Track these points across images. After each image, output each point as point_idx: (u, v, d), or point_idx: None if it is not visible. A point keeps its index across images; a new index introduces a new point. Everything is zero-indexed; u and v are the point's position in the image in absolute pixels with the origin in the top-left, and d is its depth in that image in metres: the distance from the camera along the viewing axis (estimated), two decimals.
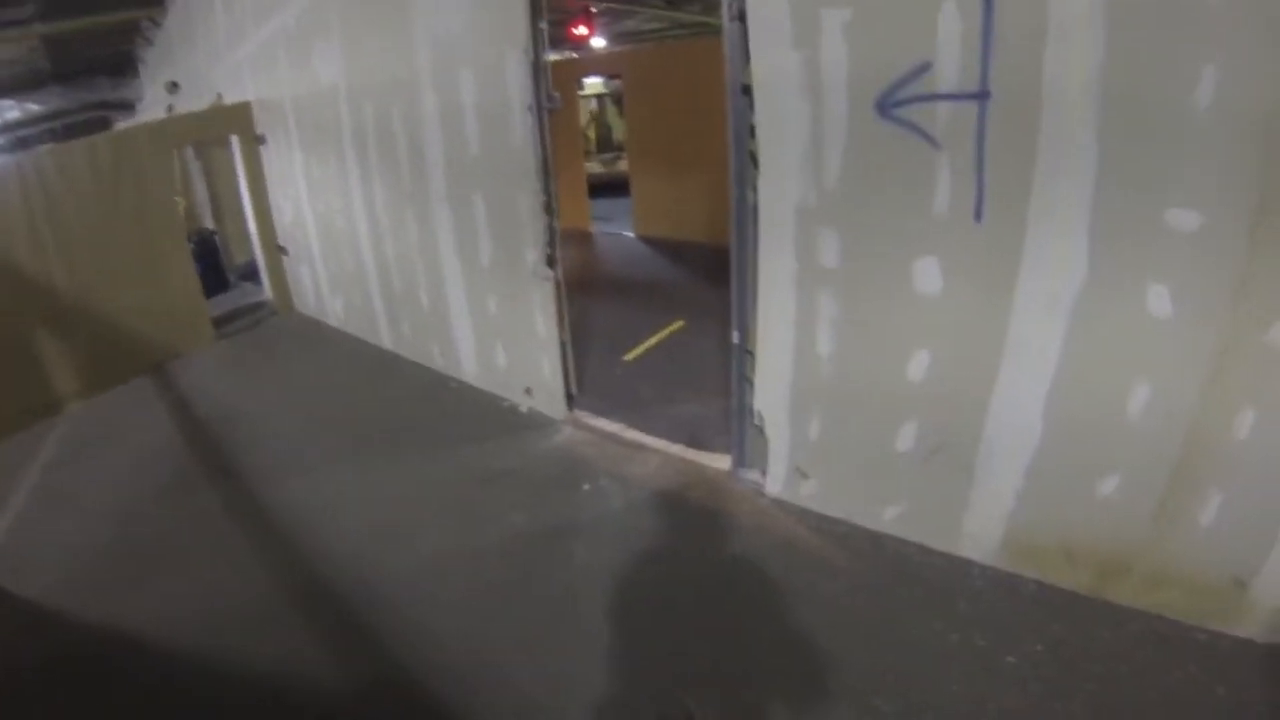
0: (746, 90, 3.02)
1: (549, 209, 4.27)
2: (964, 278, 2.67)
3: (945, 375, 2.85)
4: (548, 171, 4.20)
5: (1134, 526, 2.59)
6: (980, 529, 3.00)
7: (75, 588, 3.52)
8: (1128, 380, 2.45)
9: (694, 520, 3.58)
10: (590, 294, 7.48)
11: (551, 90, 4.07)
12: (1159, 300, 2.31)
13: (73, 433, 5.33)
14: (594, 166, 12.67)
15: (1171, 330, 2.31)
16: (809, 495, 3.53)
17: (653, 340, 6.04)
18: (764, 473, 3.68)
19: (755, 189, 3.12)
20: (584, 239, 10.42)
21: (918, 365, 2.90)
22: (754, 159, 3.08)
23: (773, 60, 2.86)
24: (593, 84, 13.81)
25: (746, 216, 3.22)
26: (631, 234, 10.05)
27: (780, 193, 3.03)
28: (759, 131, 3.01)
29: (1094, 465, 2.62)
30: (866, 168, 2.76)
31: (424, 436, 4.75)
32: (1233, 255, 2.15)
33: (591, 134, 14.26)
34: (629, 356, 5.79)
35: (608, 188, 11.92)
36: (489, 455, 4.41)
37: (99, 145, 5.81)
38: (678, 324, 6.28)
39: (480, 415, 4.98)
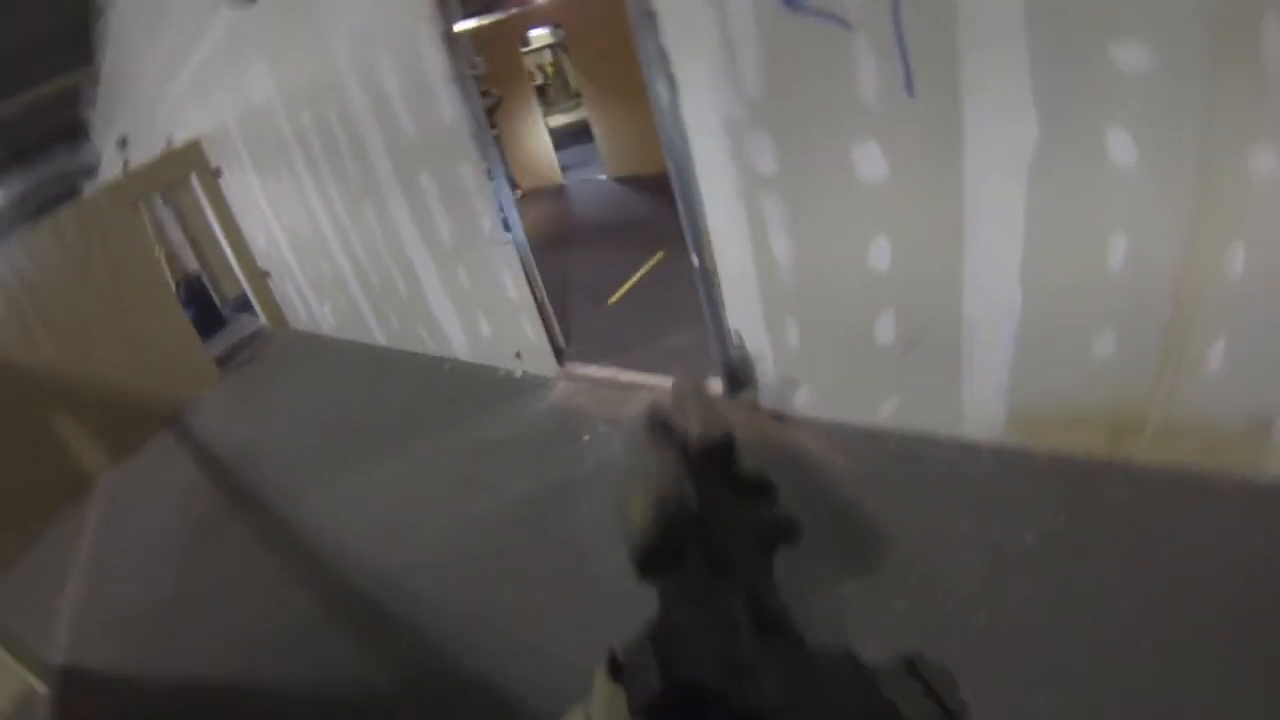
0: (651, 13, 2.84)
1: (492, 174, 4.16)
2: (908, 156, 2.49)
3: (910, 259, 2.71)
4: (484, 137, 4.09)
5: (1139, 382, 2.46)
6: (981, 409, 2.90)
7: (138, 646, 3.70)
8: (1103, 234, 2.27)
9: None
10: (568, 244, 7.40)
11: (473, 57, 3.93)
12: (1121, 146, 2.12)
13: (108, 502, 5.53)
14: (560, 117, 12.34)
15: (1140, 175, 2.12)
16: (804, 404, 3.47)
17: (635, 278, 5.95)
18: (756, 389, 3.62)
19: (680, 108, 2.97)
20: (556, 192, 10.23)
21: (879, 254, 2.76)
22: (672, 80, 2.92)
23: None
24: (540, 35, 13.32)
25: (676, 140, 3.07)
26: (604, 176, 9.84)
27: (704, 108, 2.88)
28: (671, 52, 2.85)
29: (1085, 326, 2.47)
30: (785, 65, 2.57)
31: (424, 423, 4.80)
32: (1192, 84, 1.94)
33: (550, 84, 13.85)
34: (613, 299, 5.73)
35: (578, 134, 11.60)
36: (487, 427, 4.45)
37: (62, 220, 5.84)
38: (657, 257, 6.15)
39: (476, 389, 5.01)
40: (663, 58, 2.90)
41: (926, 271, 2.69)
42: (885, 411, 3.19)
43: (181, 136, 7.01)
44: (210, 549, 4.34)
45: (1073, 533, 2.45)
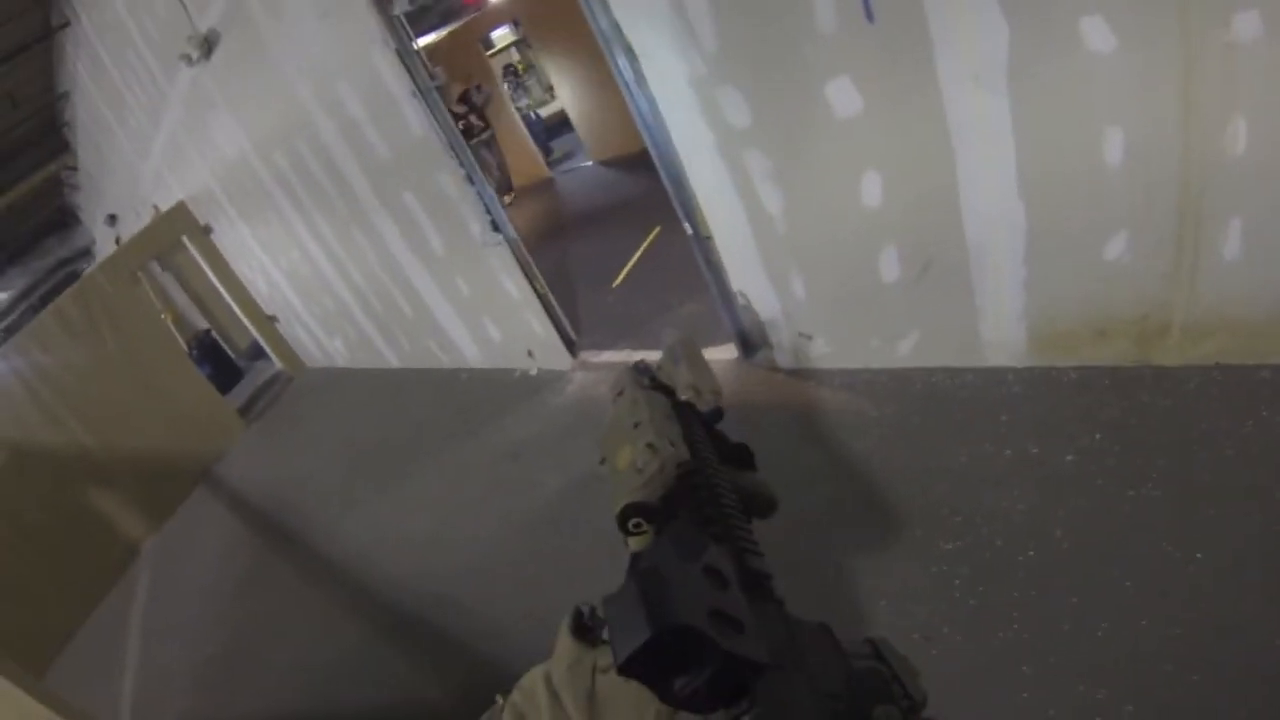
0: None
1: (471, 179, 4.13)
2: (881, 84, 2.39)
3: (903, 190, 2.61)
4: (457, 145, 4.06)
5: (1157, 281, 2.34)
6: (1000, 333, 2.80)
7: (201, 697, 3.79)
8: (1096, 130, 2.15)
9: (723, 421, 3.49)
10: (564, 236, 7.37)
11: (432, 69, 3.90)
12: (1098, 33, 2.00)
13: (155, 568, 5.65)
14: (541, 110, 12.27)
15: (1122, 62, 2.00)
16: (820, 356, 3.40)
17: (635, 257, 5.90)
18: (770, 349, 3.56)
19: (644, 79, 2.89)
20: (545, 185, 10.20)
21: (871, 189, 2.67)
22: (631, 52, 2.84)
23: None
24: (501, 35, 13.18)
25: (647, 111, 3.01)
26: (589, 163, 9.75)
27: (667, 74, 2.81)
28: (623, 24, 2.78)
29: (1093, 230, 2.36)
30: (740, 14, 2.49)
31: (449, 435, 4.81)
32: None
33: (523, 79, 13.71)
34: (616, 281, 5.69)
35: (560, 125, 11.48)
36: (510, 430, 4.44)
37: (64, 305, 5.93)
38: (654, 233, 6.08)
39: (494, 394, 5.00)
40: (616, 31, 2.83)
41: (922, 199, 2.59)
42: (904, 351, 3.10)
43: (166, 203, 7.09)
44: (259, 594, 4.41)
45: (1112, 447, 2.35)
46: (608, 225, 7.20)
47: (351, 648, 3.43)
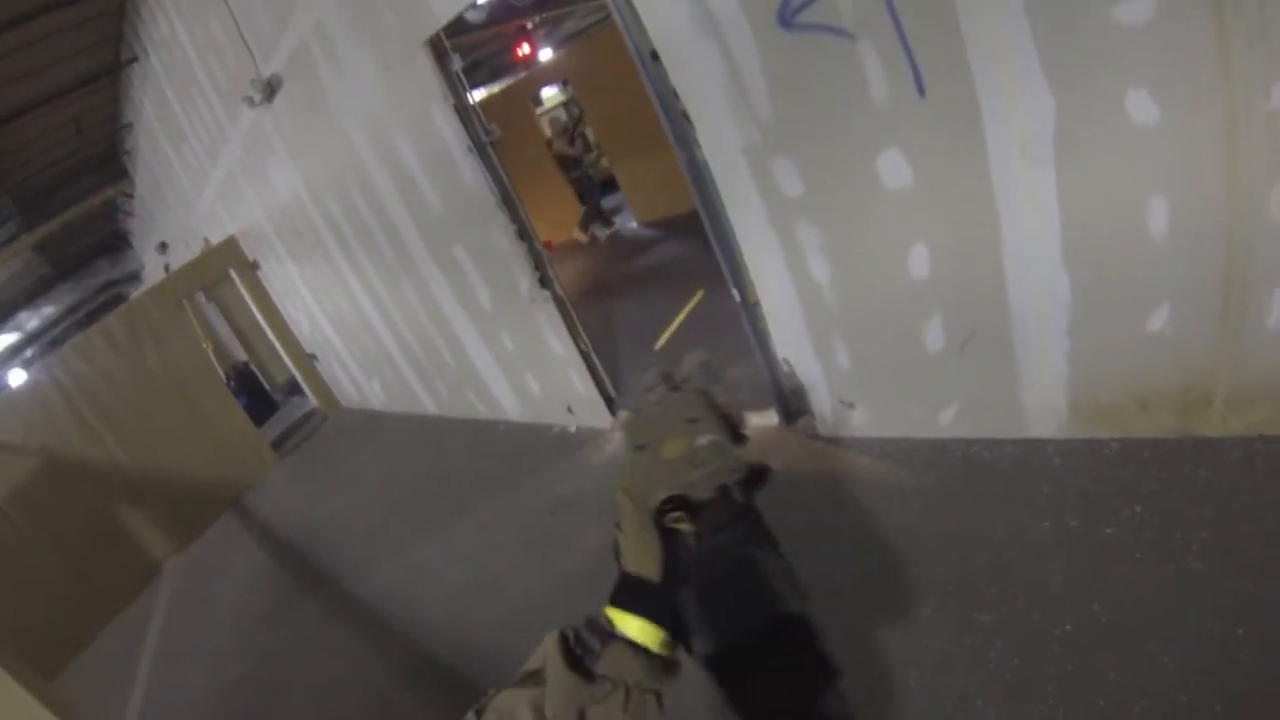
0: (655, 55, 2.93)
1: (523, 235, 4.26)
2: (931, 156, 2.50)
3: (949, 261, 2.68)
4: (510, 200, 4.20)
5: (1200, 353, 2.37)
6: (1041, 404, 2.81)
7: None
8: (1140, 200, 2.23)
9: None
10: (608, 295, 7.50)
11: (487, 124, 4.07)
12: (1141, 105, 2.09)
13: (176, 588, 5.69)
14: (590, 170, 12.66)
15: (1166, 132, 2.08)
16: (861, 424, 3.40)
17: (678, 320, 5.98)
18: (812, 416, 3.57)
19: (698, 145, 3.03)
20: (590, 244, 10.42)
21: (919, 261, 2.74)
22: (686, 117, 2.99)
23: (665, 16, 2.76)
24: (551, 95, 13.77)
25: (701, 174, 3.13)
26: (634, 224, 9.99)
27: (722, 141, 2.93)
28: (679, 89, 2.92)
29: (1137, 301, 2.40)
30: (794, 85, 2.62)
31: (487, 487, 4.82)
32: (1199, 25, 1.91)
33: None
34: (659, 344, 5.74)
35: (607, 185, 11.81)
36: (550, 485, 4.44)
37: (112, 325, 6.19)
38: (698, 296, 6.19)
39: (533, 449, 5.03)
40: (673, 96, 2.97)
41: (967, 271, 2.65)
42: (945, 421, 3.12)
43: (217, 236, 7.39)
44: (281, 626, 4.40)
45: (1152, 520, 2.34)
46: (650, 287, 7.30)
47: (379, 689, 3.40)
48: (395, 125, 4.37)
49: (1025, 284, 2.58)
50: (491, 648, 3.28)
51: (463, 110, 3.94)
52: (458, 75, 3.92)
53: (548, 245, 10.60)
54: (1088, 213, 2.32)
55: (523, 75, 9.94)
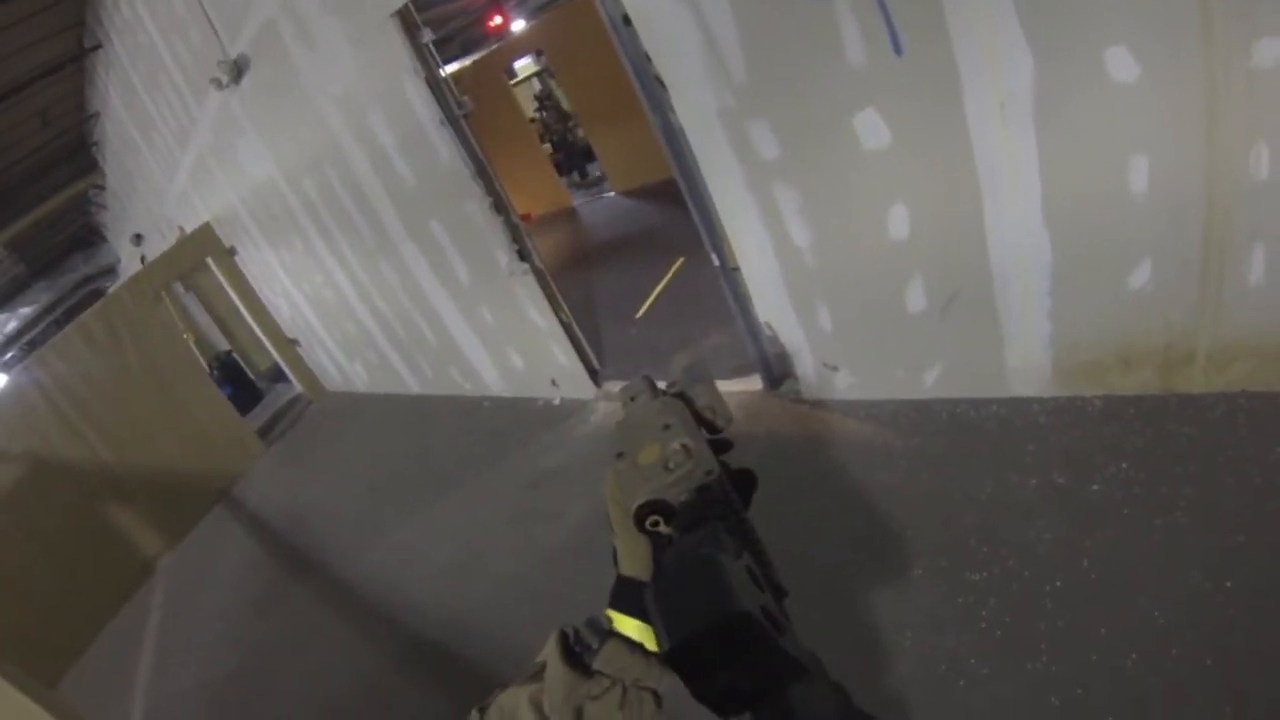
0: (627, 20, 2.85)
1: (499, 207, 4.19)
2: (909, 117, 2.45)
3: (929, 222, 2.65)
4: (485, 173, 4.12)
5: (1182, 309, 2.36)
6: (1025, 363, 2.81)
7: (214, 715, 3.77)
8: (1121, 158, 2.20)
9: (748, 452, 3.48)
10: (588, 266, 7.44)
11: (459, 97, 3.97)
12: (1121, 64, 2.05)
13: (169, 584, 5.67)
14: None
15: (1146, 90, 2.05)
16: (846, 387, 3.40)
17: (659, 288, 5.95)
18: (795, 380, 3.57)
19: (673, 110, 2.96)
20: (568, 215, 10.33)
21: (898, 222, 2.70)
22: (660, 82, 2.92)
23: None
24: (524, 65, 13.46)
25: (676, 140, 3.07)
26: (612, 193, 9.88)
27: (697, 105, 2.87)
28: (652, 53, 2.84)
29: (1118, 259, 2.39)
30: (769, 47, 2.56)
31: (471, 463, 4.82)
32: None
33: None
34: (640, 313, 5.73)
35: (587, 155, 11.68)
36: (535, 458, 4.44)
37: (88, 321, 6.05)
38: (678, 263, 6.15)
39: (517, 423, 5.02)
40: (646, 61, 2.90)
41: (948, 230, 2.63)
42: (929, 382, 3.11)
43: (191, 224, 7.24)
44: (274, 616, 4.39)
45: (1139, 476, 2.35)
46: (630, 255, 7.29)
47: (368, 673, 3.41)
48: (368, 100, 4.26)
49: (1006, 243, 2.55)
50: (478, 626, 3.30)
51: (434, 83, 3.85)
52: (428, 48, 3.81)
53: (526, 218, 10.54)
54: (1068, 172, 2.29)
55: (495, 47, 9.70)
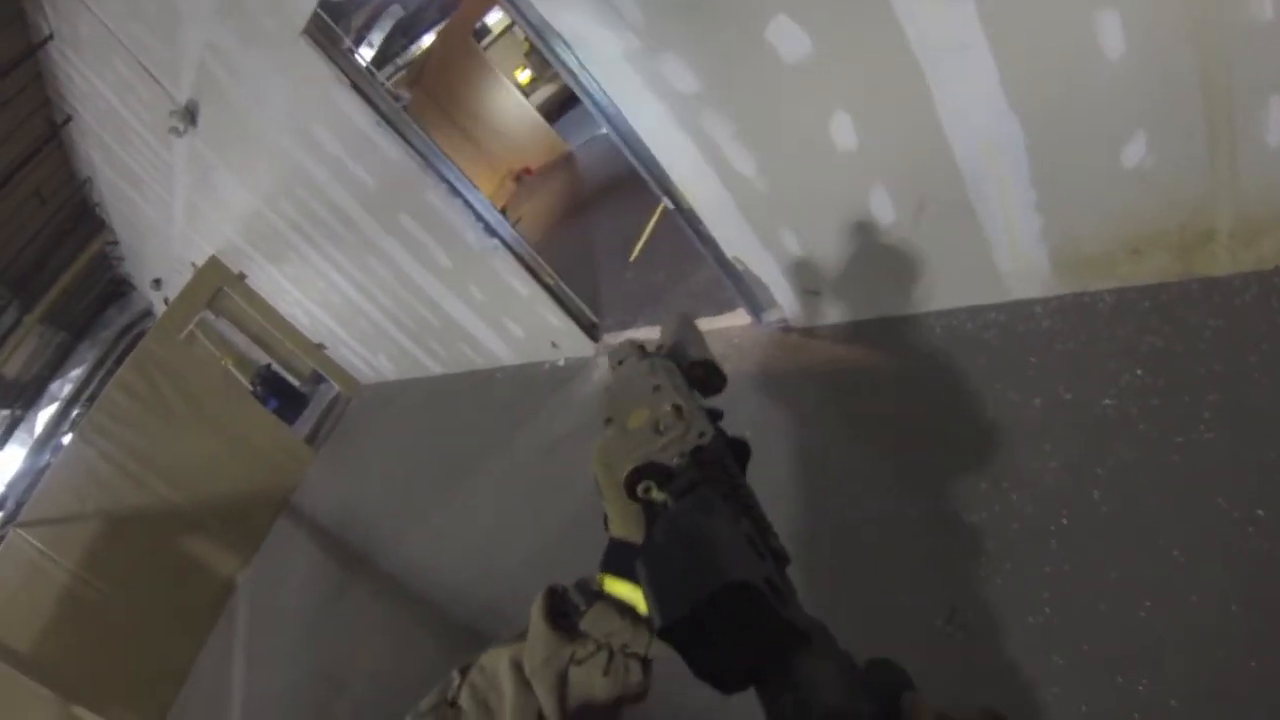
0: None
1: (455, 191, 4.06)
2: (827, 14, 2.10)
3: (877, 124, 2.33)
4: (433, 162, 4.01)
5: (1191, 183, 1.98)
6: (1019, 262, 2.49)
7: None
8: (1085, 17, 1.80)
9: (739, 388, 3.31)
10: (584, 213, 7.29)
11: (395, 92, 3.83)
12: None
13: (250, 598, 6.11)
14: (549, 87, 12.05)
15: None
16: (831, 311, 3.19)
17: (649, 228, 5.73)
18: (779, 309, 3.40)
19: (584, 67, 2.70)
20: (565, 161, 10.02)
21: (843, 131, 2.38)
22: (563, 41, 2.65)
23: None
24: (498, 21, 12.81)
25: (597, 95, 2.83)
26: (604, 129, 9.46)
27: (601, 53, 2.61)
28: (546, 12, 2.61)
29: (1105, 135, 2.01)
30: None
31: (490, 440, 4.88)
32: None
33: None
34: (633, 256, 5.58)
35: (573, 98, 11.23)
36: (545, 425, 4.46)
37: (125, 377, 6.36)
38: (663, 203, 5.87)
39: (528, 389, 5.05)
40: (545, 23, 2.64)
41: (899, 132, 2.30)
42: (917, 295, 2.83)
43: (201, 260, 7.47)
44: (340, 616, 4.67)
45: (1157, 384, 2.03)
46: (623, 196, 6.97)
47: (426, 660, 3.55)
48: (307, 118, 4.24)
49: (969, 135, 2.21)
50: (507, 601, 3.35)
51: (361, 87, 3.73)
52: (349, 52, 3.74)
53: (527, 172, 10.29)
54: (1024, 42, 1.91)
55: (457, 12, 9.16)
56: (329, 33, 3.59)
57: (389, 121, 3.81)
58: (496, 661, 0.59)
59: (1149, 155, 1.98)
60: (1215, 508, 1.71)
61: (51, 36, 5.32)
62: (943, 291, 2.76)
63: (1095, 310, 2.34)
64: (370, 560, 4.85)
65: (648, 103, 2.67)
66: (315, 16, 3.40)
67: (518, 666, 0.57)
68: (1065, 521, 1.94)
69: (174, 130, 5.05)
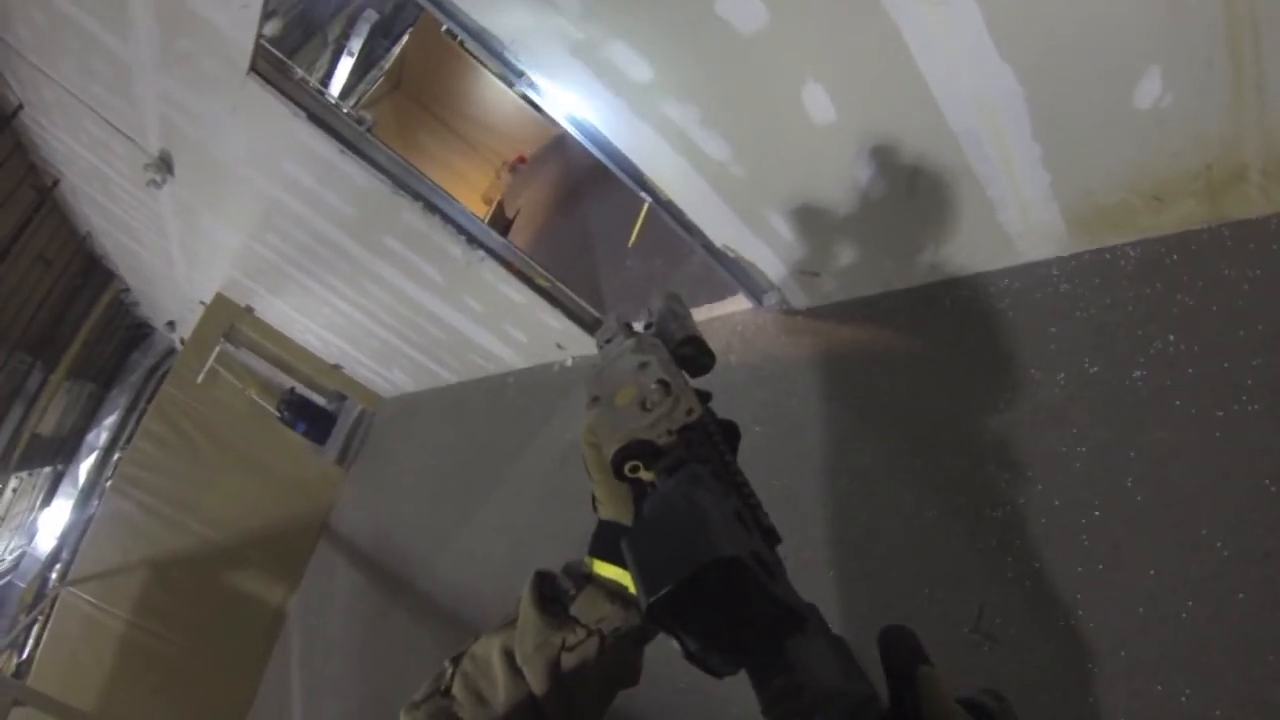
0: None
1: (431, 208, 3.93)
2: None
3: (855, 91, 2.12)
4: (404, 181, 3.88)
5: (1215, 119, 1.74)
6: (1028, 223, 2.26)
7: None
8: None
9: (745, 378, 3.19)
10: (581, 199, 7.04)
11: (357, 115, 3.71)
12: None
13: (301, 624, 6.24)
14: None
15: None
16: (834, 289, 3.00)
17: (643, 212, 5.46)
18: (779, 292, 3.22)
19: (515, 55, 2.51)
20: (556, 144, 9.70)
21: (817, 103, 2.17)
22: (503, 45, 2.47)
23: None
24: None
25: (548, 95, 2.63)
26: None
27: (545, 53, 2.41)
28: (483, 22, 2.42)
29: (1113, 75, 1.77)
30: None
31: (506, 450, 4.84)
32: None
33: None
34: (632, 241, 5.39)
35: None
36: (557, 431, 4.40)
37: (149, 426, 6.51)
38: None
39: (538, 394, 4.98)
40: (485, 33, 2.45)
41: (880, 97, 2.10)
42: (923, 266, 2.62)
43: (207, 297, 7.55)
44: (382, 641, 4.76)
45: (1191, 350, 1.81)
46: (618, 180, 6.79)
47: None
48: (273, 155, 4.14)
49: (958, 92, 1.98)
50: None
51: (320, 116, 3.60)
52: (302, 83, 3.62)
53: (520, 160, 10.03)
54: None
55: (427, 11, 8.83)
56: (279, 65, 3.45)
57: (352, 148, 3.68)
58: (488, 650, 0.59)
59: (1165, 93, 1.74)
60: (1264, 492, 1.51)
61: (22, 106, 5.33)
62: (950, 260, 2.54)
63: (1117, 268, 2.11)
64: (406, 586, 4.90)
65: (603, 98, 2.48)
66: (260, 49, 3.26)
67: (509, 654, 0.57)
68: (1097, 514, 1.77)
69: (152, 183, 5.02)
